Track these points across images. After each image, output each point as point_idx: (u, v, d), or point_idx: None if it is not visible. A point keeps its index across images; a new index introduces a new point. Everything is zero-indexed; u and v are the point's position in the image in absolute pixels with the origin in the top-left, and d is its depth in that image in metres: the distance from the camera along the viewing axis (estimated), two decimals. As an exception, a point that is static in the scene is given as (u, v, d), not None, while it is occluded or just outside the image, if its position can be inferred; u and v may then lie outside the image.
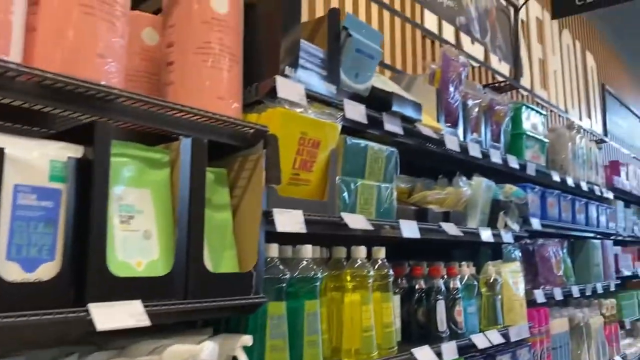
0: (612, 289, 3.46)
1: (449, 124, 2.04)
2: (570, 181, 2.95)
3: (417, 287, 1.91)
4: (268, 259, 1.33)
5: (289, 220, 1.31)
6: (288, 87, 1.34)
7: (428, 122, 1.89)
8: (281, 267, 1.34)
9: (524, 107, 2.58)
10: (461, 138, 2.11)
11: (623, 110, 4.79)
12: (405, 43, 2.92)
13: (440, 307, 1.87)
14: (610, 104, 4.81)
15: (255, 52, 1.41)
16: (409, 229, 1.70)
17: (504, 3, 2.76)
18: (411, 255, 2.42)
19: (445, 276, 1.97)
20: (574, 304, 3.32)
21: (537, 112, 2.70)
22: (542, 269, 2.69)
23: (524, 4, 2.80)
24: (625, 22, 8.25)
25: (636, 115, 5.05)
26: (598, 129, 4.95)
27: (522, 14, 4.79)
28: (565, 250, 2.97)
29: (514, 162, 2.38)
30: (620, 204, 3.89)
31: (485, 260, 2.45)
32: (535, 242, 2.73)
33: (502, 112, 2.33)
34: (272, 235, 1.32)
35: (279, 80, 1.32)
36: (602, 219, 3.45)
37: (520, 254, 2.66)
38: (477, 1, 2.38)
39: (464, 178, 2.14)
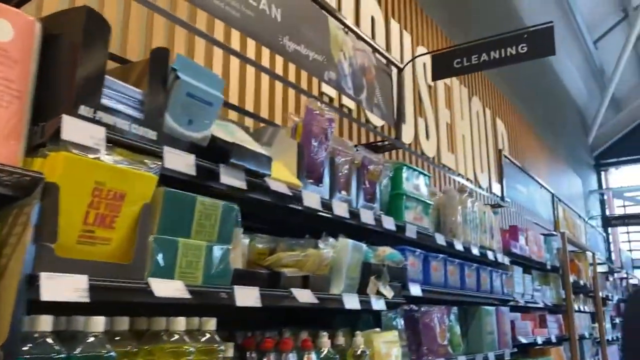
0: (507, 357, 3.36)
1: (311, 181, 1.91)
2: (458, 245, 2.88)
3: (265, 362, 1.70)
4: (36, 334, 1.10)
5: (64, 287, 1.09)
6: (78, 129, 1.15)
7: (283, 177, 1.74)
8: (54, 344, 1.11)
9: (404, 168, 2.50)
10: (326, 196, 1.97)
11: (524, 177, 4.90)
12: (287, 97, 2.83)
13: (288, 385, 1.66)
14: (513, 171, 4.91)
15: (53, 88, 1.23)
16: (246, 297, 1.51)
17: (385, 62, 2.73)
18: (293, 322, 2.25)
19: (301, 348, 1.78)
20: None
21: (420, 172, 2.63)
22: (426, 338, 2.54)
23: (405, 65, 2.80)
24: (533, 92, 8.73)
25: (537, 182, 5.19)
26: (500, 193, 5.02)
27: (429, 80, 4.91)
28: (453, 318, 2.86)
29: (389, 223, 2.27)
30: (518, 269, 3.87)
31: (366, 329, 2.29)
32: (420, 309, 2.59)
33: (377, 171, 2.23)
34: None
35: (66, 120, 1.14)
36: (497, 284, 3.39)
37: (402, 322, 2.52)
38: (352, 58, 2.34)
39: (331, 239, 1.99)
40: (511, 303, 3.68)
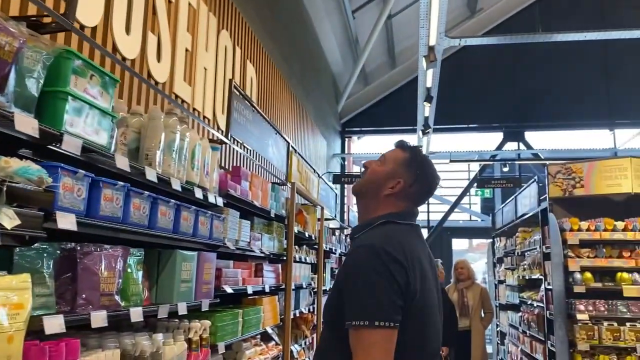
0: (206, 308, 3.00)
1: None
2: (151, 174, 2.34)
3: None
4: None
5: None
6: None
7: None
8: None
9: (74, 58, 1.83)
10: None
11: (261, 122, 4.61)
12: None
13: None
14: (252, 115, 4.59)
15: None
16: None
17: None
18: None
19: None
20: (162, 328, 2.74)
21: (103, 72, 1.99)
22: (84, 286, 1.96)
23: None
24: (292, 48, 8.70)
25: (274, 129, 4.99)
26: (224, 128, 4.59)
27: (170, -8, 4.23)
28: (133, 262, 2.33)
29: (26, 126, 1.59)
30: (235, 213, 3.54)
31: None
32: (82, 249, 2.00)
33: (11, 46, 1.53)
34: None
35: None
36: (204, 227, 2.98)
37: (52, 263, 1.90)
38: None
39: None
40: (221, 249, 3.34)
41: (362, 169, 2.04)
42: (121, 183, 2.10)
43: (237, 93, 3.92)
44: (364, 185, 1.98)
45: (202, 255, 2.95)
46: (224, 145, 4.63)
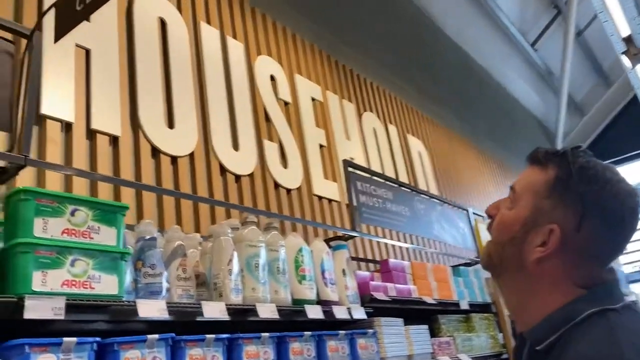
0: None
1: None
2: (213, 310, 1.77)
3: None
4: None
5: None
6: None
7: None
8: None
9: (32, 196, 1.43)
10: None
11: (415, 199, 3.75)
12: None
13: None
14: (404, 196, 3.79)
15: None
16: None
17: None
18: None
19: None
20: None
21: (96, 203, 1.56)
22: None
23: (35, 30, 1.77)
24: (469, 104, 7.81)
25: (441, 201, 4.06)
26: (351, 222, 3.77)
27: (282, 94, 3.94)
28: None
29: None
30: (394, 321, 2.72)
31: None
32: None
33: None
34: None
35: None
36: (339, 355, 2.25)
37: None
38: None
39: None
40: (383, 375, 2.52)
41: (488, 220, 1.14)
42: (156, 336, 1.57)
43: (354, 171, 3.26)
44: (492, 256, 1.07)
45: (343, 393, 2.20)
46: (366, 241, 3.91)
